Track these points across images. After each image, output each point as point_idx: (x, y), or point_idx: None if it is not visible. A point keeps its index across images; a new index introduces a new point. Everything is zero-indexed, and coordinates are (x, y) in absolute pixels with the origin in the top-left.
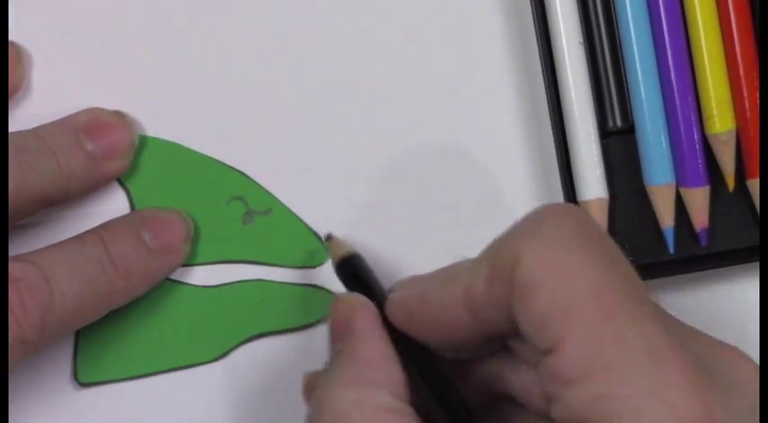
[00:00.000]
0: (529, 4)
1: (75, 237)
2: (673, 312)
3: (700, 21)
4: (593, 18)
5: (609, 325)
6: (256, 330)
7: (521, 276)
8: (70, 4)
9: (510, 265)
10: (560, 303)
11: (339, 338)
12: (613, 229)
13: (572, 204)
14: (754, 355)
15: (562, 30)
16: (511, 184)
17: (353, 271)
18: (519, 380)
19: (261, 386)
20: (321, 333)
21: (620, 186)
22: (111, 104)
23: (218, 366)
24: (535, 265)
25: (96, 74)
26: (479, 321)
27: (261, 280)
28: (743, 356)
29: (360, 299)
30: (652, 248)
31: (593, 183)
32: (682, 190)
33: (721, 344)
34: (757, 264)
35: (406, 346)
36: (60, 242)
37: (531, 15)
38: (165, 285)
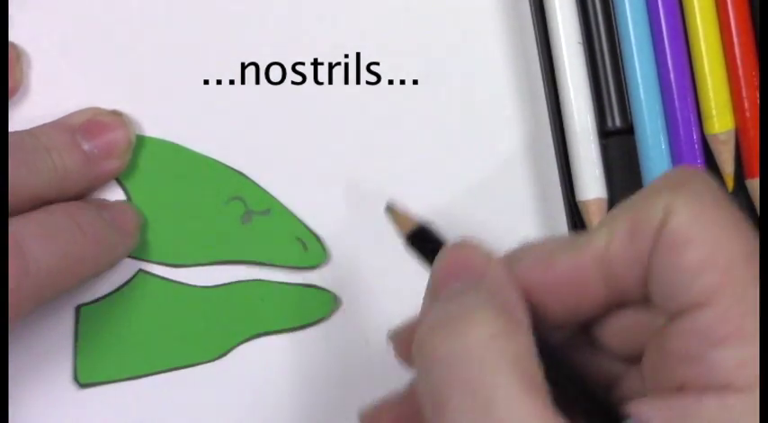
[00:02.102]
0: (528, 4)
1: (42, 208)
2: None
3: (699, 21)
4: (592, 18)
5: (757, 291)
6: (256, 330)
7: (674, 228)
8: (70, 4)
9: (657, 218)
10: (716, 260)
11: (455, 279)
12: None
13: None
14: None
15: (561, 30)
16: (510, 185)
17: (430, 242)
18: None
19: (260, 386)
20: (321, 333)
21: (620, 186)
22: (109, 104)
23: (217, 366)
24: (690, 218)
25: (95, 74)
26: (608, 282)
27: (260, 280)
28: None
29: (481, 246)
30: None
31: (592, 183)
32: None
33: None
34: None
35: None
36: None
37: (530, 16)
38: (165, 285)
